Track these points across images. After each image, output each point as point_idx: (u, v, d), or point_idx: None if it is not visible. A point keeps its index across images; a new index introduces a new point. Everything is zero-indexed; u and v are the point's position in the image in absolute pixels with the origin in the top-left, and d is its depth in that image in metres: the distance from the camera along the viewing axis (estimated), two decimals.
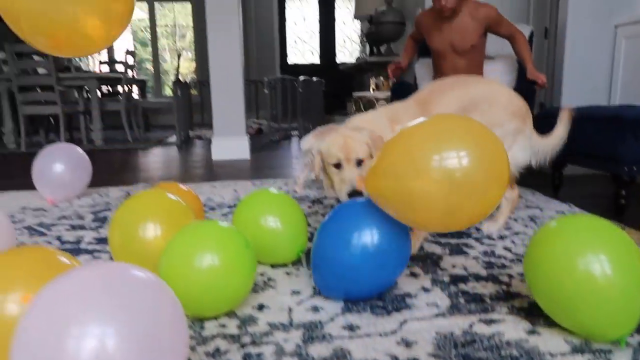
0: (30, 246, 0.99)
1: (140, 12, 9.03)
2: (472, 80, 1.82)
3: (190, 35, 9.05)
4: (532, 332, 1.08)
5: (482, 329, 1.09)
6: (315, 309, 1.20)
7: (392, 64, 2.90)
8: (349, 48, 9.52)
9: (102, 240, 1.80)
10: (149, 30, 8.85)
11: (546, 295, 1.04)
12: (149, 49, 9.02)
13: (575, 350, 1.00)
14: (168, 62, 9.30)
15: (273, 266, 1.48)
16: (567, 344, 1.02)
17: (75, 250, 1.70)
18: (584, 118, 2.24)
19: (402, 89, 2.91)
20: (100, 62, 6.98)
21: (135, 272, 0.74)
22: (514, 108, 1.75)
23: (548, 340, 1.04)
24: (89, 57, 8.34)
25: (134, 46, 9.24)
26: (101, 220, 2.08)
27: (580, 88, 3.05)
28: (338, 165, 1.53)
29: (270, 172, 3.34)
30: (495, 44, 2.77)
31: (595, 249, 0.97)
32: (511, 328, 1.10)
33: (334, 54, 9.41)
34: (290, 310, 1.20)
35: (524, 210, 2.13)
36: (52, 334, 0.63)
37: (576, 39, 3.03)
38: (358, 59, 5.94)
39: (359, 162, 1.52)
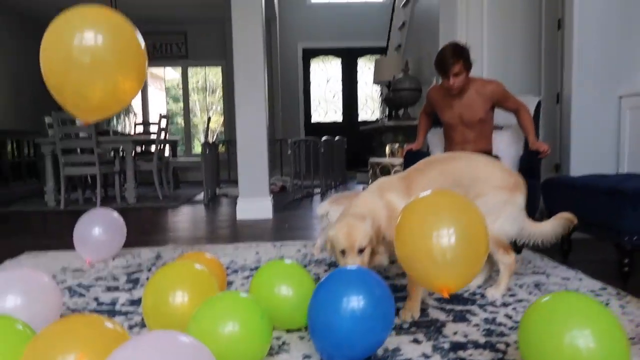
0: (81, 314, 1.18)
1: (173, 73, 9.69)
2: (456, 156, 2.00)
3: (219, 91, 9.61)
4: None
5: None
6: None
7: (408, 146, 3.13)
8: (370, 107, 9.89)
9: (135, 302, 1.98)
10: (181, 87, 9.43)
11: None
12: (181, 104, 9.58)
13: None
14: (198, 116, 9.83)
15: (288, 331, 1.63)
16: None
17: (111, 311, 1.88)
18: (586, 188, 2.36)
19: (415, 157, 3.09)
20: (136, 124, 7.46)
21: (182, 339, 0.93)
22: (498, 181, 1.91)
23: None
24: (126, 119, 8.93)
25: (167, 101, 9.84)
26: (134, 282, 2.27)
27: (589, 155, 3.13)
28: (343, 252, 1.71)
29: (291, 233, 3.52)
30: (504, 114, 2.94)
31: (580, 325, 1.10)
32: None
33: (356, 113, 9.79)
34: None
35: (530, 276, 2.23)
36: None
37: (582, 109, 3.13)
38: (377, 120, 6.22)
39: (361, 250, 1.70)
